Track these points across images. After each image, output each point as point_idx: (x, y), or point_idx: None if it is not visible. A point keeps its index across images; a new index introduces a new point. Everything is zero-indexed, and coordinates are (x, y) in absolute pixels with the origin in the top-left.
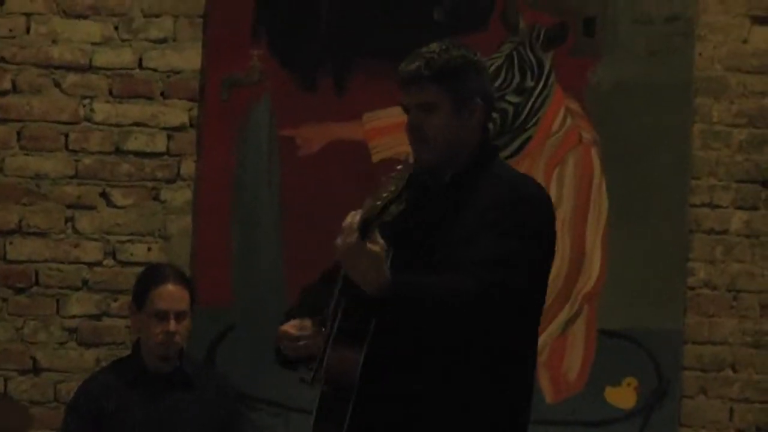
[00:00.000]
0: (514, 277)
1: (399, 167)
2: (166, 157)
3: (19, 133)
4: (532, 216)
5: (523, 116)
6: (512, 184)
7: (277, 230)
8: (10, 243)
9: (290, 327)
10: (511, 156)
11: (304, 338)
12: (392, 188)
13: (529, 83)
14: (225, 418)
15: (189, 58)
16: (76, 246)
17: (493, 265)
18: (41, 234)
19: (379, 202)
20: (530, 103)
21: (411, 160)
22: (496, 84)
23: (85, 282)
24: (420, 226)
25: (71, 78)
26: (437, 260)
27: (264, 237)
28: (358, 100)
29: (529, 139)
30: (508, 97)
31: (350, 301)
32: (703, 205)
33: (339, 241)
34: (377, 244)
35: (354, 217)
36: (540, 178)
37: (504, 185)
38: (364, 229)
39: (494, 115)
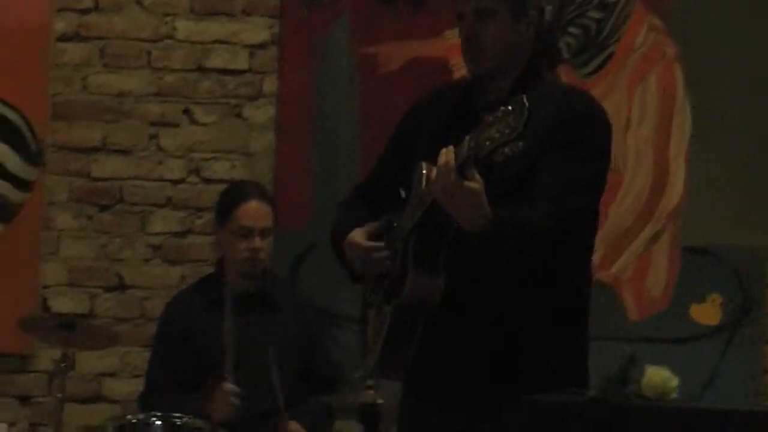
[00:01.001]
0: (591, 200)
1: (506, 108)
2: (248, 74)
3: (101, 51)
4: (600, 135)
5: (605, 32)
6: (572, 100)
7: (355, 148)
8: (95, 160)
9: (359, 238)
10: (593, 72)
11: (376, 253)
12: (497, 131)
13: None
14: (308, 336)
15: None
16: (160, 163)
17: (575, 190)
18: (125, 151)
19: (487, 142)
20: (612, 19)
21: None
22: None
23: (168, 199)
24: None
25: None
26: (509, 177)
27: (343, 155)
28: (438, 17)
29: (611, 55)
30: (590, 13)
31: (429, 228)
32: None
33: (435, 177)
34: (477, 182)
35: (449, 155)
36: (622, 95)
37: (565, 102)
38: (462, 168)
39: (576, 30)
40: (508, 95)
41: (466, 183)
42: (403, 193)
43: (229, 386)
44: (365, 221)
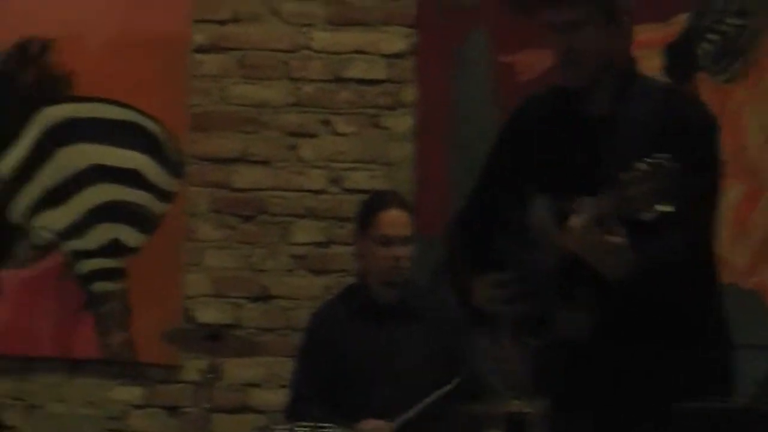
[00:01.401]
0: (714, 212)
1: (645, 164)
2: (386, 84)
3: (240, 62)
4: (714, 141)
5: (744, 39)
6: (680, 103)
7: None
8: (235, 171)
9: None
10: (731, 80)
11: (506, 292)
12: (639, 192)
13: (752, 6)
14: (450, 345)
15: None
16: (300, 174)
17: (700, 209)
18: (264, 162)
19: (629, 203)
20: (753, 26)
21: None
22: (717, 7)
23: (310, 210)
24: (593, 158)
25: (289, 6)
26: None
27: (482, 163)
28: None
29: (752, 62)
30: (729, 20)
31: (570, 266)
32: None
33: (573, 231)
34: (619, 236)
35: (586, 210)
36: (764, 103)
37: (673, 104)
38: (602, 221)
39: (714, 37)
40: (610, 105)
41: (609, 238)
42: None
43: (380, 424)
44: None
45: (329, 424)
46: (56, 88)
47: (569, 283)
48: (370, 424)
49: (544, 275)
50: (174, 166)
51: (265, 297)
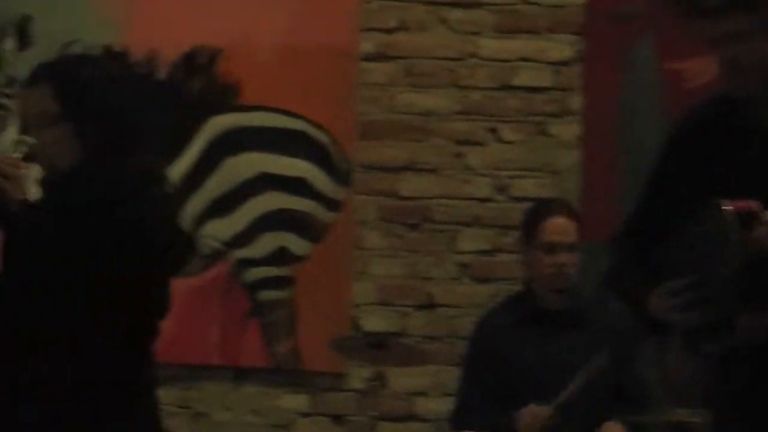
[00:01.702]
0: None
1: None
2: (553, 91)
3: (407, 70)
4: None
5: None
6: None
7: None
8: (402, 180)
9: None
10: None
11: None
12: None
13: None
14: (617, 353)
15: None
16: (467, 182)
17: None
18: (431, 170)
19: None
20: None
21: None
22: None
23: (476, 218)
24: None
25: (457, 14)
26: None
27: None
28: None
29: None
30: None
31: (754, 270)
32: None
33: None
34: None
35: None
36: None
37: None
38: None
39: None
40: None
41: None
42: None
43: (538, 408)
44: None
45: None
46: (224, 98)
47: (753, 287)
48: (529, 408)
49: (724, 280)
50: (341, 175)
51: (430, 305)
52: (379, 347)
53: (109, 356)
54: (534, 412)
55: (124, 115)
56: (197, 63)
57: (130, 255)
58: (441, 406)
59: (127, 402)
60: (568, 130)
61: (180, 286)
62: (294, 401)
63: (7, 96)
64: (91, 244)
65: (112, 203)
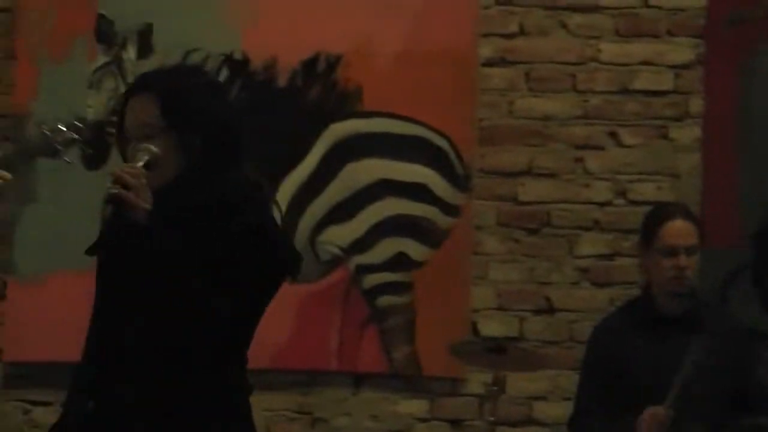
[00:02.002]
0: None
1: None
2: (673, 95)
3: (527, 75)
4: None
5: None
6: None
7: None
8: (522, 184)
9: None
10: None
11: None
12: None
13: None
14: (737, 358)
15: None
16: (586, 186)
17: None
18: (551, 175)
19: None
20: None
21: None
22: None
23: (595, 222)
24: None
25: (577, 19)
26: None
27: None
28: None
29: None
30: None
31: None
32: None
33: None
34: None
35: None
36: None
37: None
38: None
39: None
40: None
41: None
42: None
43: (658, 410)
44: None
45: None
46: (344, 104)
47: None
48: (650, 411)
49: None
50: (460, 180)
51: (549, 310)
52: (497, 352)
53: (216, 366)
54: (654, 414)
55: (228, 125)
56: (317, 69)
57: (258, 261)
58: (559, 410)
59: (229, 410)
60: (689, 133)
61: (299, 291)
62: (412, 406)
63: None
64: (219, 253)
65: (229, 211)
